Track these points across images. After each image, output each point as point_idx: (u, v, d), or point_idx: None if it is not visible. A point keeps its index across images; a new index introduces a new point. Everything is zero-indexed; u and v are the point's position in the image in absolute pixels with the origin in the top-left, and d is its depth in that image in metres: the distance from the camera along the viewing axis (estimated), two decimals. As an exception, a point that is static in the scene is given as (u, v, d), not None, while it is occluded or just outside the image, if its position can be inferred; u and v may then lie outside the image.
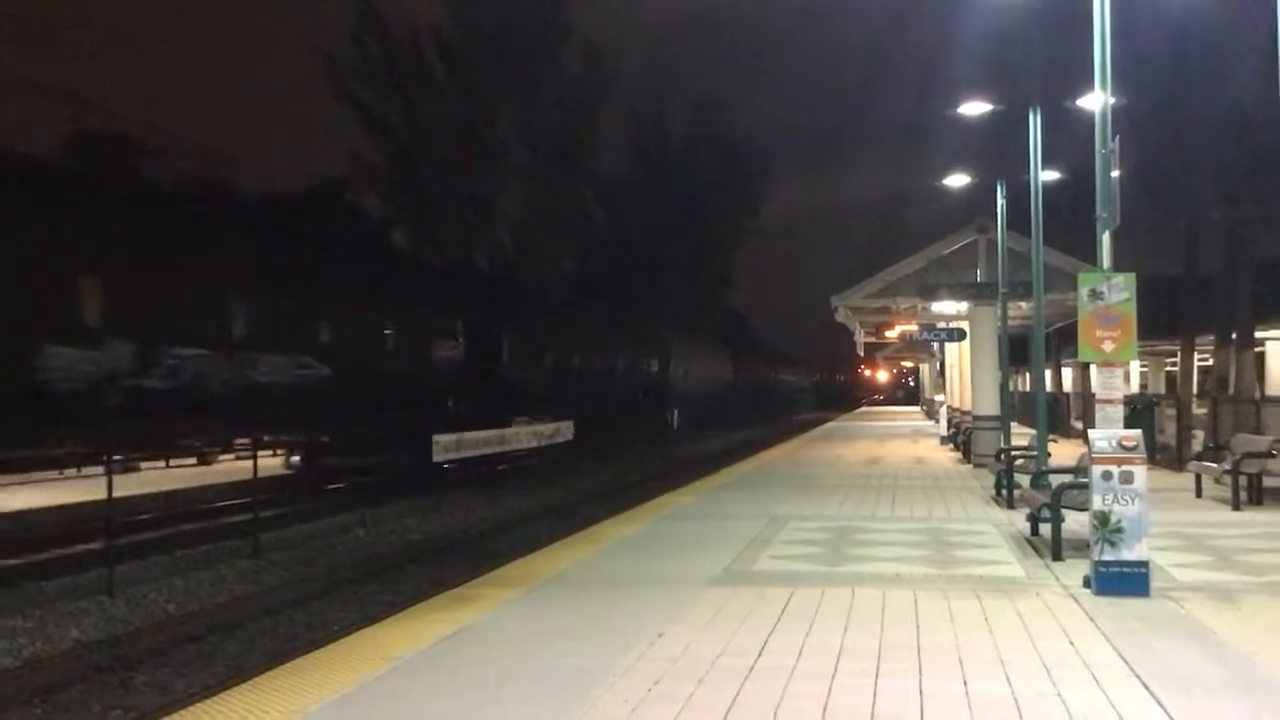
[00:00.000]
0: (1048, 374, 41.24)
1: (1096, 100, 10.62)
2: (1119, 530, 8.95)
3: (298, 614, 12.87)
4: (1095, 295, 9.86)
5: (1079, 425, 31.98)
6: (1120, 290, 9.84)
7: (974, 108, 19.68)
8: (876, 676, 6.64)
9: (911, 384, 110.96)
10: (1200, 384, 33.31)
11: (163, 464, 29.62)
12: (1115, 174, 10.32)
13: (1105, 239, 10.24)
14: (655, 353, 48.14)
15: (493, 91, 50.41)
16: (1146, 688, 6.37)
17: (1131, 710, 5.95)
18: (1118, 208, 10.26)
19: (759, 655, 7.20)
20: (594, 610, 8.75)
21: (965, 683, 6.50)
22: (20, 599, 12.86)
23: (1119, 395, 10.09)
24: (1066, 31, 19.24)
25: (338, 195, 43.03)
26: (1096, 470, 9.07)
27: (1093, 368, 10.67)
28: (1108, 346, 9.85)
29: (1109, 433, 9.33)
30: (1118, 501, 8.98)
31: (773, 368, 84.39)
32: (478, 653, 7.42)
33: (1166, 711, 5.92)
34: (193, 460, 30.55)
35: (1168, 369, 48.89)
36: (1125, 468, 9.01)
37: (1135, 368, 47.47)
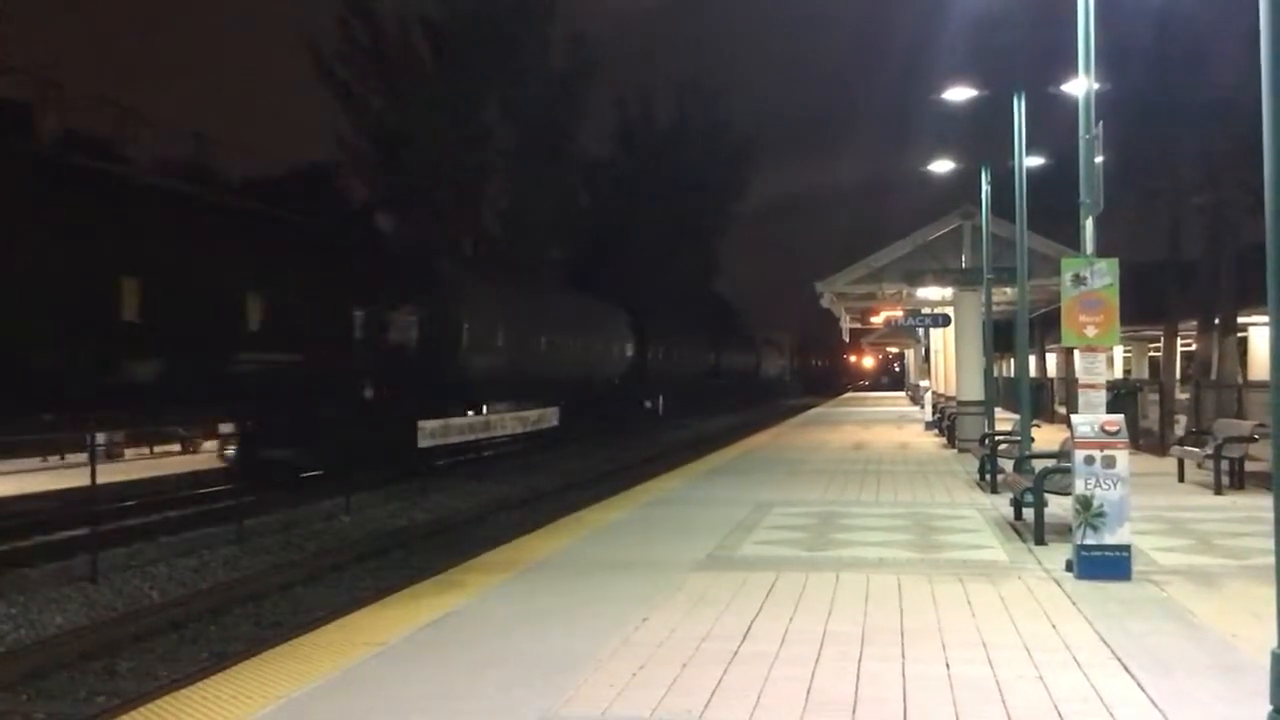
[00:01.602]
0: (1032, 359, 41.45)
1: (1080, 86, 10.64)
2: (1101, 514, 9.00)
3: (282, 600, 12.87)
4: (1078, 280, 9.90)
5: (1063, 410, 32.10)
6: (1103, 275, 9.88)
7: (958, 93, 19.69)
8: (860, 660, 6.68)
9: (897, 369, 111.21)
10: (1184, 369, 33.51)
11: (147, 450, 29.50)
12: (1099, 160, 10.34)
13: (1088, 224, 10.27)
14: (404, 308, 25.80)
15: (478, 76, 50.22)
16: (1127, 670, 6.42)
17: (1112, 692, 5.99)
18: (1101, 193, 10.29)
19: (743, 640, 7.23)
20: (579, 595, 8.77)
21: (948, 666, 6.54)
22: (4, 585, 12.81)
23: (1102, 380, 10.14)
24: (1050, 16, 19.25)
25: (324, 180, 42.78)
26: (1079, 455, 9.12)
27: (1076, 353, 10.71)
28: (1090, 331, 9.89)
29: (1091, 417, 9.38)
30: (1100, 486, 9.03)
31: (712, 350, 68.10)
32: (463, 637, 7.43)
33: (1146, 693, 5.96)
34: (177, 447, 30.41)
35: (1151, 354, 49.16)
36: (1107, 452, 9.05)
37: (1119, 353, 47.72)
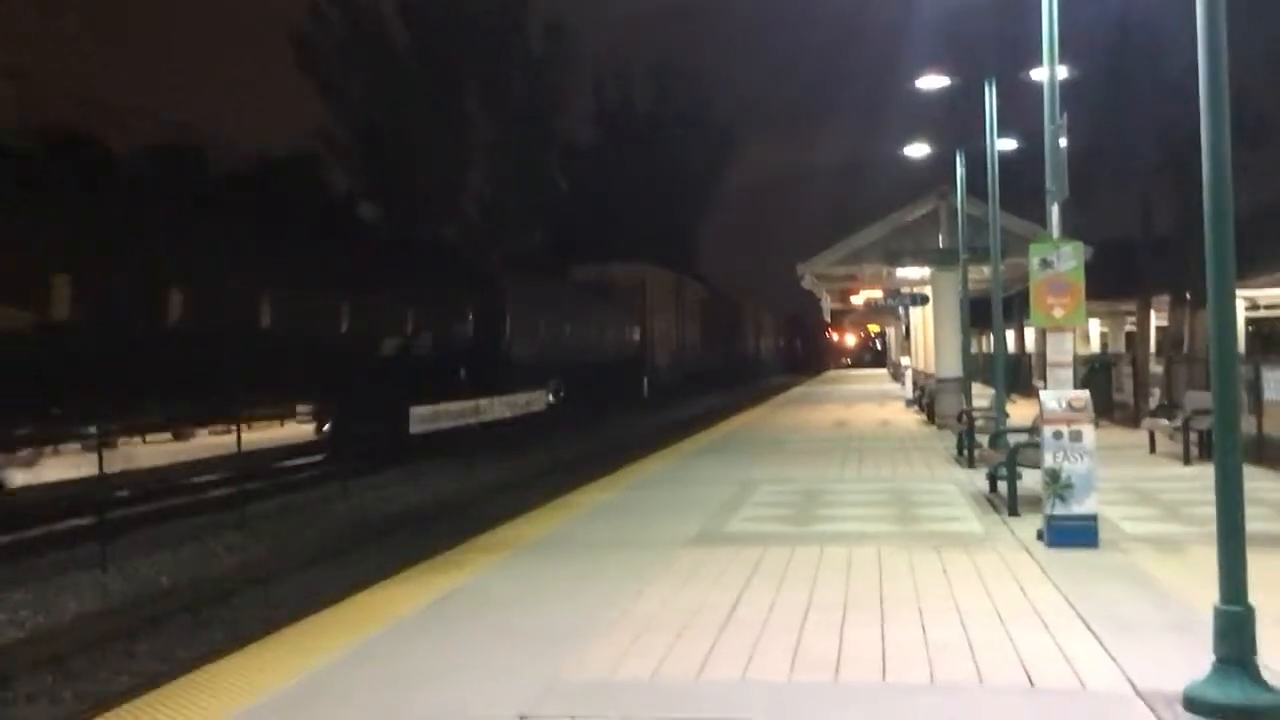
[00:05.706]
0: (1011, 335, 41.91)
1: (1044, 75, 11.07)
2: (1069, 486, 9.49)
3: (288, 583, 13.27)
4: (1045, 264, 10.36)
5: (1040, 384, 32.63)
6: (1069, 258, 10.34)
7: (930, 81, 20.10)
8: (842, 627, 7.14)
9: (879, 347, 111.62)
10: (1158, 343, 34.10)
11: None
12: (1063, 143, 10.76)
13: (1054, 210, 10.70)
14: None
15: (457, 65, 50.38)
16: (1091, 631, 6.88)
17: (1076, 651, 6.46)
18: (1066, 180, 10.71)
19: (733, 609, 7.69)
20: (576, 571, 9.21)
21: (924, 630, 7.01)
22: (18, 574, 13.17)
23: (1069, 358, 10.63)
24: (1018, 2, 19.67)
25: (305, 170, 42.87)
26: (1048, 430, 9.61)
27: (1046, 331, 11.19)
28: (1058, 312, 10.35)
29: (1059, 394, 9.86)
30: (1067, 459, 9.52)
31: (706, 332, 60.67)
32: (468, 613, 7.86)
33: (1108, 651, 6.43)
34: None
35: (1128, 329, 49.75)
36: (1074, 427, 9.54)
37: (1096, 327, 48.30)
